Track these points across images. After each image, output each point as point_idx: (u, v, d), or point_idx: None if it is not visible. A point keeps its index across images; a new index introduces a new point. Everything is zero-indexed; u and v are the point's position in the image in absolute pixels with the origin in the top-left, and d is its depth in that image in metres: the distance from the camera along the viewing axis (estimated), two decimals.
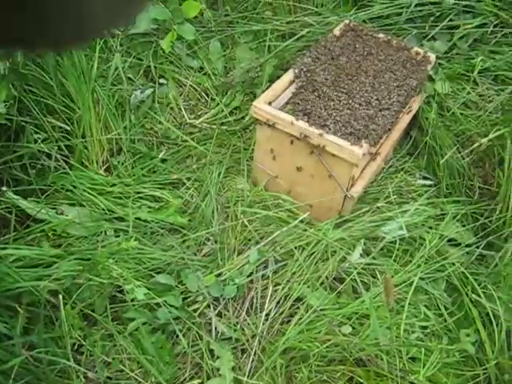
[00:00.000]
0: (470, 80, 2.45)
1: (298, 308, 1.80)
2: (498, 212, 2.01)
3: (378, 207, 2.07)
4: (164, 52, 2.35)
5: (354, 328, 1.74)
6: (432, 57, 2.32)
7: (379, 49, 2.28)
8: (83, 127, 2.08)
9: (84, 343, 1.66)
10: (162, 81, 2.41)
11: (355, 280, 1.84)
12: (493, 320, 1.75)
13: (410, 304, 1.81)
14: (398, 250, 1.94)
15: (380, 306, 1.79)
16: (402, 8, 2.58)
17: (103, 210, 1.96)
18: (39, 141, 2.00)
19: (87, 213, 1.93)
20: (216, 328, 1.78)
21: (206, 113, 2.41)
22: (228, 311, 1.82)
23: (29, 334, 1.61)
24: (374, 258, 1.90)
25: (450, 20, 2.61)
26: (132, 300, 1.71)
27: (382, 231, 1.97)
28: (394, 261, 1.93)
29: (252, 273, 1.85)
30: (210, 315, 1.79)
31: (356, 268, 1.85)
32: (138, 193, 2.06)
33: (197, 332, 1.74)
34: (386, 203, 2.10)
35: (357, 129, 1.90)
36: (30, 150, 1.98)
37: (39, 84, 2.05)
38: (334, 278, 1.86)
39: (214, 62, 2.54)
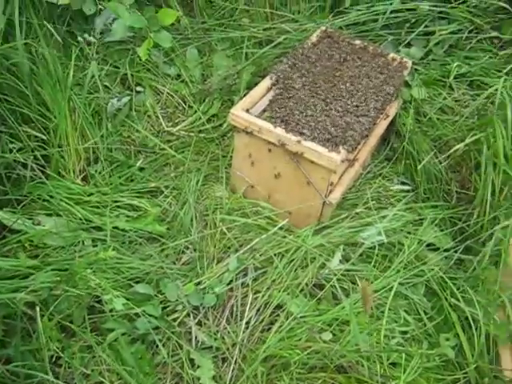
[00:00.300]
0: (446, 85, 2.48)
1: (279, 315, 1.80)
2: (475, 216, 2.02)
3: (357, 213, 2.08)
4: (141, 60, 2.33)
5: (334, 335, 1.74)
6: (408, 63, 2.34)
7: (356, 55, 2.29)
8: (59, 136, 2.06)
9: (62, 355, 1.64)
10: (138, 88, 2.40)
11: (335, 286, 1.84)
12: (472, 324, 1.76)
13: (389, 309, 1.82)
14: (377, 255, 1.95)
15: (360, 311, 1.79)
16: (378, 15, 2.60)
17: (80, 219, 1.94)
18: (14, 150, 1.97)
19: (64, 223, 1.91)
20: (196, 337, 1.77)
21: (184, 120, 2.40)
22: (208, 320, 1.81)
23: (5, 347, 1.58)
24: (353, 263, 1.90)
25: (426, 26, 2.63)
26: (111, 310, 1.69)
27: (361, 237, 1.97)
28: (374, 266, 1.93)
29: (232, 281, 1.84)
30: (189, 324, 1.78)
31: (336, 274, 1.86)
32: (116, 202, 2.04)
33: (177, 341, 1.73)
34: (365, 209, 2.11)
35: (334, 135, 1.90)
36: (5, 159, 1.95)
37: (14, 93, 2.03)
38: (314, 285, 1.86)
39: (191, 69, 2.53)
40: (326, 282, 1.85)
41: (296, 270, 1.87)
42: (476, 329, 1.74)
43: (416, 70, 2.49)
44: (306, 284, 1.84)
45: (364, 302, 1.56)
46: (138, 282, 1.82)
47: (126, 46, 2.40)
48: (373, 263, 1.93)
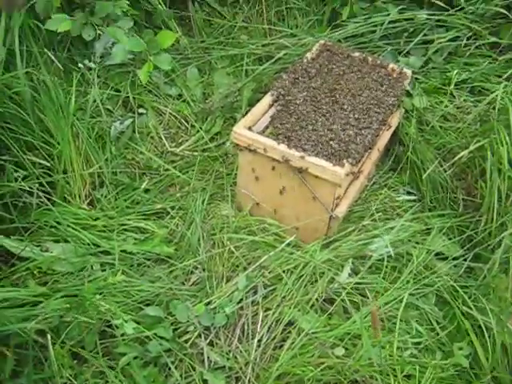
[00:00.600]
0: (447, 93, 2.48)
1: (290, 332, 1.79)
2: (483, 223, 2.01)
3: (364, 225, 2.07)
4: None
5: (346, 349, 1.73)
6: (408, 72, 2.34)
7: (355, 67, 2.29)
8: (64, 162, 2.07)
9: (75, 382, 1.63)
10: (141, 110, 2.41)
11: (345, 300, 1.84)
12: (485, 332, 1.74)
13: (401, 321, 1.81)
14: (386, 267, 1.94)
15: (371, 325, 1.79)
16: (376, 26, 2.61)
17: (88, 244, 1.94)
18: (20, 179, 1.98)
19: (72, 248, 1.91)
20: (208, 358, 1.76)
21: (187, 140, 2.41)
22: (220, 340, 1.80)
23: (18, 377, 1.58)
24: (362, 277, 1.90)
25: (424, 35, 2.64)
26: (122, 335, 1.69)
27: (369, 249, 1.97)
28: (383, 278, 1.92)
29: (242, 299, 1.84)
30: (201, 345, 1.77)
31: (345, 288, 1.85)
32: (123, 225, 2.04)
33: (189, 363, 1.72)
34: (372, 221, 2.10)
35: (338, 149, 1.91)
36: (10, 188, 1.96)
37: (17, 121, 2.04)
38: (324, 300, 1.85)
39: (192, 88, 2.55)
40: (336, 297, 1.85)
41: (305, 285, 1.86)
42: (489, 337, 1.73)
43: (416, 78, 2.50)
44: (317, 299, 1.84)
45: (373, 328, 1.56)
46: (148, 305, 1.81)
47: (127, 68, 2.42)
48: (382, 275, 1.93)
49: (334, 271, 1.89)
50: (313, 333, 1.76)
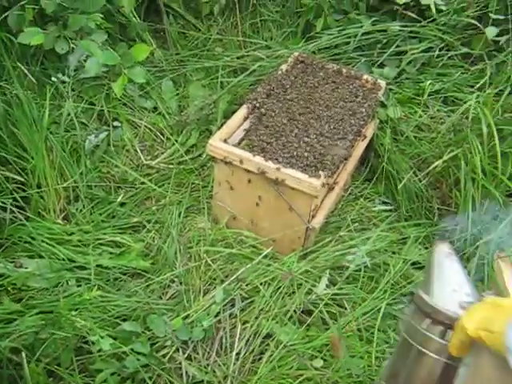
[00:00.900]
0: (420, 103, 2.51)
1: (268, 345, 1.79)
2: (458, 232, 2.03)
3: (341, 236, 2.08)
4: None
5: (325, 360, 1.73)
6: (382, 83, 2.36)
7: (330, 79, 2.31)
8: (38, 176, 2.05)
9: None
10: (115, 123, 2.40)
11: (323, 312, 1.83)
12: None
13: (379, 331, 1.81)
14: (363, 277, 1.95)
15: (350, 335, 1.79)
16: (350, 38, 2.64)
17: (63, 259, 1.92)
18: None
19: (47, 264, 1.88)
20: (186, 372, 1.75)
21: (163, 153, 2.40)
22: (198, 354, 1.79)
23: None
24: (340, 287, 1.90)
25: (397, 46, 2.67)
26: (99, 350, 1.67)
27: (346, 260, 1.97)
28: (361, 289, 1.93)
29: (219, 312, 1.83)
30: (179, 359, 1.76)
31: (323, 299, 1.85)
32: (98, 239, 2.02)
33: (167, 378, 1.71)
34: (348, 231, 2.11)
35: (313, 160, 1.91)
36: None
37: None
38: (302, 311, 1.85)
39: (167, 101, 2.54)
40: (314, 308, 1.85)
41: (283, 297, 1.86)
42: None
43: (390, 89, 2.52)
44: (295, 311, 1.83)
45: (334, 351, 1.59)
46: (124, 320, 1.79)
47: (101, 81, 2.40)
48: (359, 285, 1.93)
49: (311, 282, 1.89)
50: (291, 345, 1.76)
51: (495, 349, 0.90)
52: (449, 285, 1.06)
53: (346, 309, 1.86)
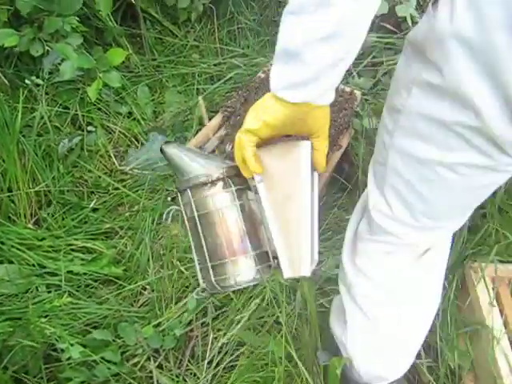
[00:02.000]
0: None
1: (243, 353, 1.77)
2: None
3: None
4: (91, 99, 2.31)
5: None
6: (358, 93, 2.37)
7: None
8: (9, 180, 2.02)
9: None
10: (90, 128, 2.37)
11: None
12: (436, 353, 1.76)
13: None
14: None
15: None
16: None
17: (33, 265, 1.89)
18: None
19: (16, 269, 1.85)
20: (158, 381, 1.73)
21: (137, 158, 2.38)
22: (169, 362, 1.78)
23: None
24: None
25: (373, 57, 2.69)
26: (68, 358, 1.64)
27: (321, 270, 1.97)
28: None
29: (192, 320, 1.81)
30: (150, 368, 1.74)
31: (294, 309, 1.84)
32: (70, 245, 1.99)
33: None
34: (323, 240, 2.11)
35: None
36: None
37: None
38: (275, 321, 1.84)
39: (142, 106, 2.52)
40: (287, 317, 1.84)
41: (257, 308, 1.85)
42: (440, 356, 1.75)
43: (366, 100, 2.53)
44: (266, 320, 1.82)
45: None
46: (95, 327, 1.78)
47: (76, 85, 2.38)
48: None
49: (285, 293, 1.88)
50: (264, 354, 1.75)
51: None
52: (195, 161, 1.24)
53: None
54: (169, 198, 1.34)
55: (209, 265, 1.19)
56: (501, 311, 1.65)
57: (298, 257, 1.11)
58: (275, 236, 1.13)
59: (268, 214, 1.16)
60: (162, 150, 1.28)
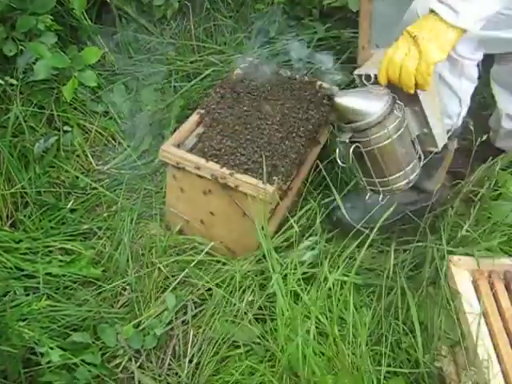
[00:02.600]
0: None
1: (229, 348, 1.76)
2: None
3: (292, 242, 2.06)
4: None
5: None
6: (335, 89, 2.37)
7: (283, 85, 2.30)
8: None
9: None
10: (66, 128, 2.34)
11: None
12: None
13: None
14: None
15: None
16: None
17: (11, 268, 1.87)
18: None
19: None
20: (140, 381, 1.72)
21: (114, 158, 2.36)
22: (151, 362, 1.77)
23: None
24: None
25: (350, 53, 2.69)
26: (48, 362, 1.62)
27: (298, 255, 1.96)
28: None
29: (172, 319, 1.81)
30: (131, 369, 1.73)
31: (275, 295, 1.82)
32: (48, 247, 1.98)
33: None
34: (302, 236, 2.10)
35: (267, 166, 1.91)
36: None
37: None
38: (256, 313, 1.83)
39: (119, 105, 2.50)
40: (268, 304, 1.83)
41: (240, 297, 1.83)
42: None
43: None
44: (245, 312, 1.81)
45: None
46: (75, 330, 1.76)
47: (51, 84, 2.35)
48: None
49: (263, 282, 1.88)
50: (245, 345, 1.75)
51: None
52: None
53: (297, 304, 1.84)
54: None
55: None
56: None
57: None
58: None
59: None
60: (334, 102, 1.63)
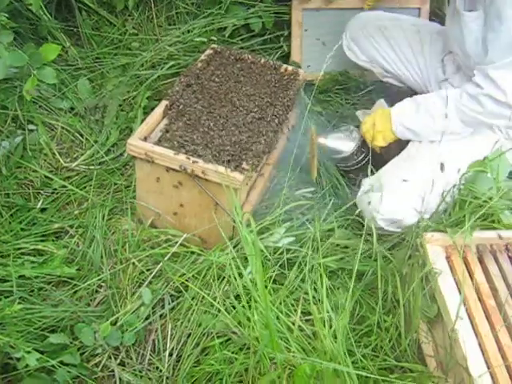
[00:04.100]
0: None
1: (210, 339, 1.75)
2: None
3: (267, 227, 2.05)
4: None
5: None
6: (300, 71, 2.36)
7: (248, 70, 2.29)
8: None
9: None
10: (31, 126, 2.30)
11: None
12: None
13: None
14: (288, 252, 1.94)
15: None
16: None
17: None
18: None
19: None
20: (120, 378, 1.71)
21: (82, 154, 2.33)
22: (131, 359, 1.76)
23: None
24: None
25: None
26: (26, 366, 1.60)
27: (272, 242, 1.95)
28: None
29: (149, 314, 1.79)
30: (112, 367, 1.72)
31: (252, 281, 1.81)
32: (19, 249, 1.95)
33: None
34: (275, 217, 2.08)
35: (235, 153, 1.90)
36: None
37: None
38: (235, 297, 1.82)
39: (84, 100, 2.46)
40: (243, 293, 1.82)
41: (217, 286, 1.82)
42: None
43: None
44: (224, 300, 1.80)
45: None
46: (53, 331, 1.74)
47: (13, 83, 2.30)
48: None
49: (238, 270, 1.86)
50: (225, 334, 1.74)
51: None
52: None
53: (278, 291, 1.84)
54: None
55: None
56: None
57: None
58: None
59: None
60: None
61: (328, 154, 2.21)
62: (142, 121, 2.10)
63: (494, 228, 1.82)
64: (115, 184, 2.24)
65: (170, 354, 1.75)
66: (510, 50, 1.83)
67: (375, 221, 1.98)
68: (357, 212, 2.04)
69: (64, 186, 2.21)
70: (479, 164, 1.95)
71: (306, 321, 1.77)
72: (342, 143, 2.23)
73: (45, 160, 2.29)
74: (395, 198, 1.97)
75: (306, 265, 1.88)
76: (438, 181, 1.94)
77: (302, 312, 1.77)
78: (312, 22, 2.70)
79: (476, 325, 1.55)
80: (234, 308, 1.79)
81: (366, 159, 2.21)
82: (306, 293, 1.80)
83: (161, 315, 1.82)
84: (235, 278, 1.80)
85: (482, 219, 1.84)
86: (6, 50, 1.97)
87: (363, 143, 2.22)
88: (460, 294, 1.60)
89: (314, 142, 2.15)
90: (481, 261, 1.71)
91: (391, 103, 2.18)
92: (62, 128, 2.37)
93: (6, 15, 2.10)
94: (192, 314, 1.79)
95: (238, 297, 1.82)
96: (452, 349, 1.55)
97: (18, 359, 1.60)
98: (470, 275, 1.66)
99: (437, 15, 2.78)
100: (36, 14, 2.48)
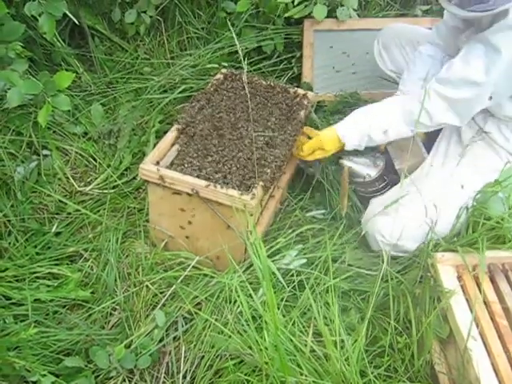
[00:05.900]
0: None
1: (223, 361, 1.75)
2: None
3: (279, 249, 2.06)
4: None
5: None
6: (311, 95, 2.38)
7: (260, 93, 2.31)
8: None
9: None
10: (45, 152, 2.34)
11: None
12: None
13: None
14: (298, 274, 1.95)
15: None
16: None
17: None
18: None
19: None
20: None
21: (96, 178, 2.36)
22: (145, 381, 1.77)
23: None
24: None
25: None
26: None
27: (284, 264, 1.96)
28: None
29: (163, 337, 1.81)
30: None
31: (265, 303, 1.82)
32: (34, 272, 1.98)
33: None
34: (286, 240, 2.09)
35: (247, 177, 1.92)
36: None
37: None
38: (246, 320, 1.83)
39: (97, 125, 2.50)
40: (255, 315, 1.83)
41: (231, 310, 1.83)
42: None
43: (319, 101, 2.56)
44: (235, 321, 1.81)
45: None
46: (68, 354, 1.76)
47: (28, 109, 2.35)
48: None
49: (250, 292, 1.87)
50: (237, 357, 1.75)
51: None
52: None
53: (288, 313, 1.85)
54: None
55: None
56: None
57: None
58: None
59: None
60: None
61: (350, 176, 2.19)
62: (155, 145, 2.13)
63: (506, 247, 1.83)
64: (128, 207, 2.27)
65: (184, 377, 1.76)
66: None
67: (379, 245, 2.02)
68: (362, 233, 2.06)
69: (78, 210, 2.24)
70: (490, 185, 1.96)
71: (318, 342, 1.77)
72: (366, 168, 2.22)
73: (59, 185, 2.32)
74: (398, 223, 1.95)
75: (317, 286, 1.89)
76: (444, 205, 1.95)
77: (314, 333, 1.77)
78: (323, 43, 2.73)
79: (489, 345, 1.55)
80: (246, 331, 1.80)
81: (387, 188, 2.22)
82: (318, 314, 1.80)
83: (174, 337, 1.83)
84: (242, 303, 1.82)
85: (494, 240, 1.84)
86: (20, 79, 2.01)
87: (386, 171, 2.23)
88: (472, 313, 1.61)
89: (345, 181, 2.17)
90: (492, 280, 1.71)
91: None
92: (76, 153, 2.41)
93: (21, 44, 2.15)
94: (205, 336, 1.80)
95: (252, 318, 1.83)
96: (465, 369, 1.55)
97: (34, 382, 1.62)
98: (481, 295, 1.67)
99: None
100: (50, 41, 2.53)
